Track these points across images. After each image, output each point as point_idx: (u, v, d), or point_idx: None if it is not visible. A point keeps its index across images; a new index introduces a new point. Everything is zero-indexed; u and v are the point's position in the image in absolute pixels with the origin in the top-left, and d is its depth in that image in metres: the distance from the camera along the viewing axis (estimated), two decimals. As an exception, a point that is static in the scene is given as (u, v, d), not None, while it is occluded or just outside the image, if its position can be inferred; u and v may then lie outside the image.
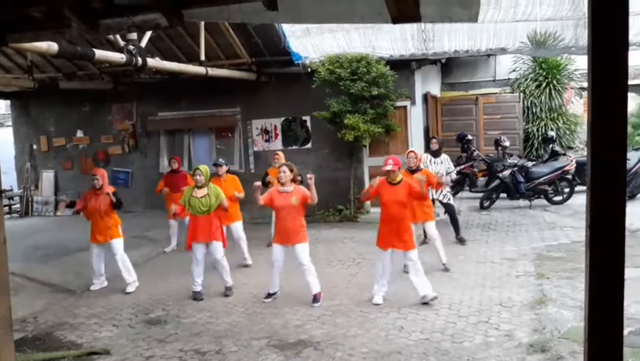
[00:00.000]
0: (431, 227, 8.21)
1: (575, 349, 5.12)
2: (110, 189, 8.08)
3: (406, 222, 6.80)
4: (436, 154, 9.55)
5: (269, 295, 7.26)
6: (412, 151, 8.29)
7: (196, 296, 7.53)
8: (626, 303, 2.11)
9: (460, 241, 9.53)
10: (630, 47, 2.08)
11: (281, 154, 10.13)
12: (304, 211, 7.12)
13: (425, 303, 6.64)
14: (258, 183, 7.21)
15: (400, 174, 6.91)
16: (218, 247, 7.60)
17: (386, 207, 6.82)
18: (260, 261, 9.19)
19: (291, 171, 7.07)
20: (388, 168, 6.70)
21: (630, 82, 2.18)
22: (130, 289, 8.05)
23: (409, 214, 6.99)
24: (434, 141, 9.78)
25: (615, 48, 2.00)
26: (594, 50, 2.03)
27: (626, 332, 5.08)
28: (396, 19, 3.45)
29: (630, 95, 14.97)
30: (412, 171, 8.01)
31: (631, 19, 2.02)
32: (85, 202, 8.17)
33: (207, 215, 7.49)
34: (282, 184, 7.05)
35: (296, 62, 12.11)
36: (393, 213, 6.72)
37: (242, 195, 9.06)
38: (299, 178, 7.16)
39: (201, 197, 7.47)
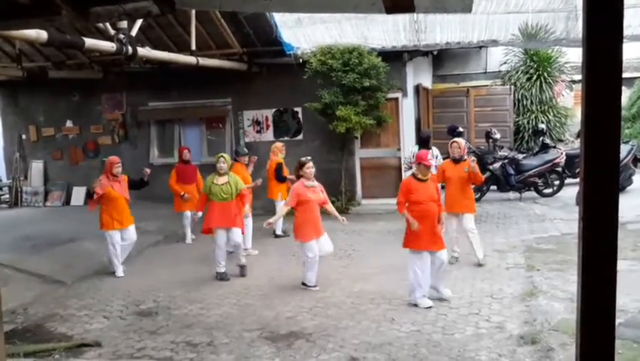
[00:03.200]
0: (469, 220, 7.97)
1: (565, 341, 5.15)
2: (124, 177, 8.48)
3: (438, 219, 6.54)
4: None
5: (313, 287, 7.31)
6: (455, 141, 8.15)
7: (222, 277, 7.83)
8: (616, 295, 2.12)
9: None
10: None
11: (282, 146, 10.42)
12: None
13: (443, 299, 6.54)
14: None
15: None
16: (237, 232, 7.90)
17: (417, 206, 6.49)
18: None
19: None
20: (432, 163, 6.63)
21: (622, 75, 2.17)
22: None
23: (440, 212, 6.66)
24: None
25: (610, 40, 1.99)
26: (589, 42, 2.02)
27: (616, 323, 5.11)
28: (390, 10, 3.42)
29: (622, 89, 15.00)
30: (456, 160, 7.97)
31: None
32: (104, 189, 8.15)
33: (227, 202, 7.75)
34: (308, 179, 7.25)
35: (288, 52, 12.05)
36: (421, 210, 6.44)
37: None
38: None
39: (222, 184, 7.74)
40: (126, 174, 8.64)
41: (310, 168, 7.23)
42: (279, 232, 10.21)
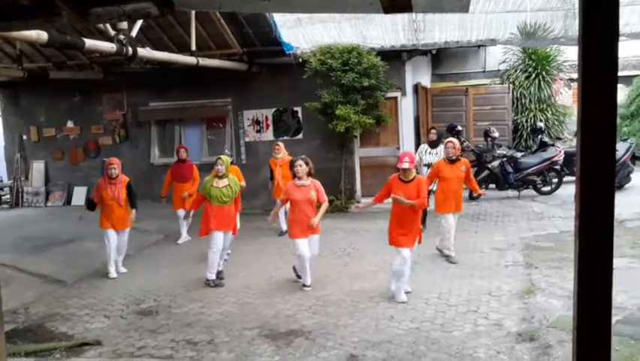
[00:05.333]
0: (455, 217, 8.18)
1: (563, 338, 5.18)
2: (125, 179, 8.34)
3: (417, 220, 6.60)
4: (433, 145, 9.55)
5: (305, 286, 7.26)
6: (450, 141, 8.18)
7: (216, 283, 7.60)
8: (613, 292, 2.14)
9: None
10: (619, 38, 2.09)
11: (281, 145, 10.36)
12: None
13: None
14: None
15: (414, 172, 6.68)
16: (230, 235, 7.85)
17: (397, 206, 6.58)
18: (250, 251, 9.22)
19: (307, 164, 7.14)
20: (405, 166, 6.46)
21: (619, 73, 2.18)
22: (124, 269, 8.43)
23: (419, 213, 6.70)
24: (433, 131, 9.79)
25: (606, 39, 2.02)
26: (584, 40, 2.04)
27: (613, 320, 5.14)
28: (388, 9, 3.45)
29: (619, 87, 15.04)
30: (452, 161, 8.03)
31: (620, 10, 2.04)
32: (99, 192, 8.21)
33: (228, 205, 7.62)
34: (299, 178, 7.12)
35: (287, 52, 12.08)
36: (404, 211, 6.51)
37: (244, 184, 9.25)
38: (313, 171, 7.28)
39: (223, 187, 7.57)
40: (129, 178, 8.55)
41: (298, 167, 7.09)
42: (284, 228, 10.29)
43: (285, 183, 9.54)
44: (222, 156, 7.81)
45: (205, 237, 7.77)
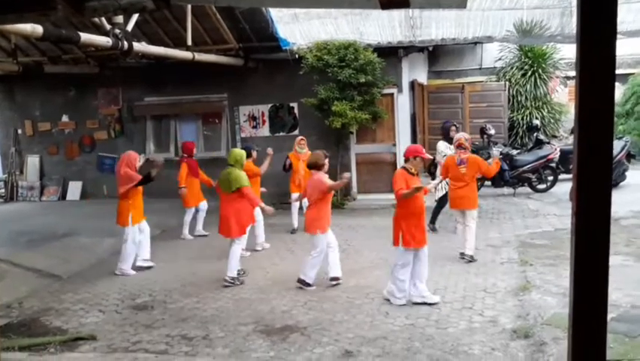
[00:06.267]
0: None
1: (557, 335, 5.19)
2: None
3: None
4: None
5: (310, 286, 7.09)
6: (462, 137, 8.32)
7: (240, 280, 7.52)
8: (608, 290, 2.14)
9: (432, 229, 9.48)
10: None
11: (305, 140, 10.39)
12: None
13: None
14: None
15: None
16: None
17: (417, 200, 6.32)
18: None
19: None
20: (428, 155, 6.54)
21: (616, 71, 2.18)
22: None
23: None
24: (453, 128, 9.87)
25: (603, 35, 2.01)
26: (582, 36, 2.04)
27: (608, 318, 5.15)
28: (385, 5, 3.44)
29: (615, 85, 15.04)
30: (473, 152, 8.25)
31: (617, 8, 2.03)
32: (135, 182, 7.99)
33: None
34: (326, 172, 7.28)
35: (284, 48, 12.06)
36: (421, 205, 6.39)
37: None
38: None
39: None
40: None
41: (327, 161, 7.32)
42: (296, 225, 10.23)
43: (306, 178, 9.48)
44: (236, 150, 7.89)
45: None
